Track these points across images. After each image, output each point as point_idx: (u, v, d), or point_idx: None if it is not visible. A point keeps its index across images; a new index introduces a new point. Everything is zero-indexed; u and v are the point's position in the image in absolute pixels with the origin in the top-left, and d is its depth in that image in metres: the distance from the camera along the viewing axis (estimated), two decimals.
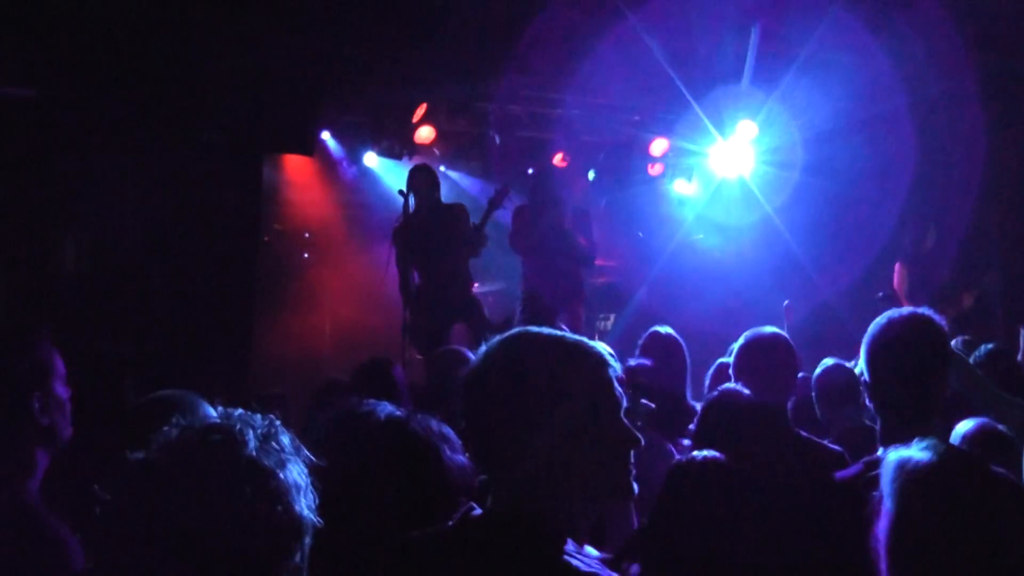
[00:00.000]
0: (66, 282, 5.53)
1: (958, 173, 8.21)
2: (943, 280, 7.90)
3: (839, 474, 2.81)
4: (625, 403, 1.71)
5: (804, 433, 3.52)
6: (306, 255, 9.60)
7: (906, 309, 2.76)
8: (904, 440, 1.92)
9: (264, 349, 7.27)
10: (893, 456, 1.89)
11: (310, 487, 1.40)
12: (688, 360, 4.67)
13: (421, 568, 1.66)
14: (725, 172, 9.54)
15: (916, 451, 1.87)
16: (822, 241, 8.94)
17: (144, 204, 5.84)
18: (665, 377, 4.30)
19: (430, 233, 7.07)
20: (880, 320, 2.72)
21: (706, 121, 8.77)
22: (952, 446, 1.97)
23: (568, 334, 1.76)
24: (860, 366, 2.79)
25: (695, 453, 2.68)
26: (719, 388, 3.28)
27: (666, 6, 7.06)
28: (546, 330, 1.75)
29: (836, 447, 3.49)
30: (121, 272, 5.74)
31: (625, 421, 1.70)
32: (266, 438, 1.37)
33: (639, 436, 1.72)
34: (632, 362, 4.30)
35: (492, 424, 1.66)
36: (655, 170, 9.95)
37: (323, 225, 9.63)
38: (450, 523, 1.71)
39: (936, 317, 2.71)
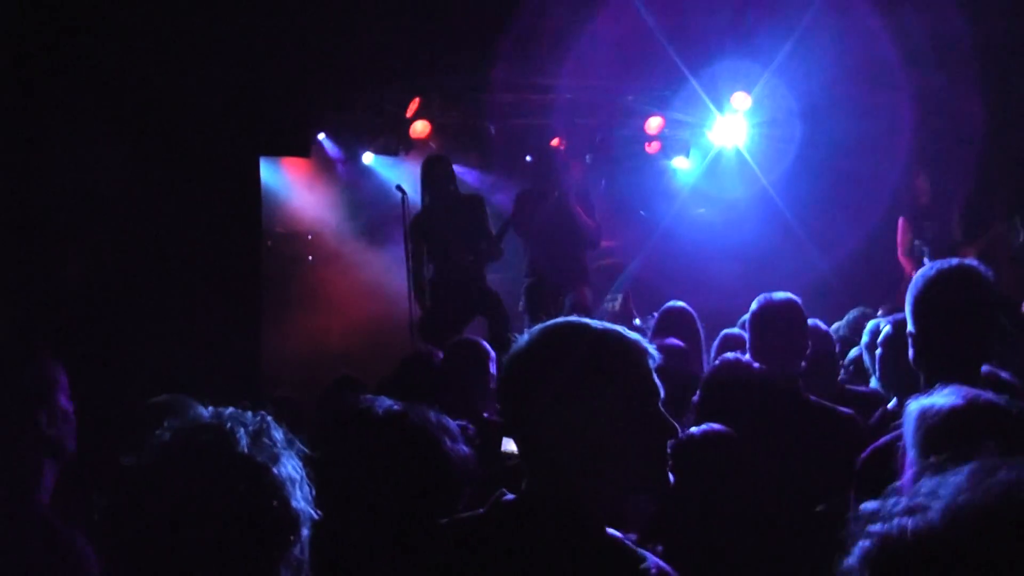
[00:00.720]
0: (69, 293, 5.55)
1: (960, 133, 8.18)
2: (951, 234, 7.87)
3: (873, 446, 2.78)
4: (663, 393, 1.72)
5: (815, 399, 3.51)
6: (311, 258, 9.62)
7: (953, 260, 2.70)
8: None
9: (273, 352, 7.28)
10: (915, 406, 1.85)
11: (305, 480, 1.40)
12: (703, 335, 4.67)
13: (461, 554, 1.66)
14: (721, 144, 9.53)
15: (939, 398, 1.82)
16: (819, 214, 8.92)
17: (145, 213, 5.85)
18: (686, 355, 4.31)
19: (448, 225, 7.01)
20: (927, 271, 2.65)
21: (702, 94, 8.75)
22: (978, 392, 1.91)
23: (609, 325, 1.77)
24: (905, 318, 2.70)
25: (694, 429, 2.67)
26: (719, 359, 3.27)
27: None
28: (589, 321, 1.77)
29: (847, 410, 3.47)
30: (124, 282, 5.76)
31: (663, 411, 1.71)
32: (258, 434, 1.38)
33: (676, 426, 1.72)
34: (666, 342, 4.29)
35: (531, 409, 1.67)
36: (652, 148, 9.95)
37: (325, 226, 9.63)
38: (482, 510, 1.71)
39: (983, 268, 2.65)
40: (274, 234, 9.19)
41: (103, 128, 5.61)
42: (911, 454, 1.81)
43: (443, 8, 7.15)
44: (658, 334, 4.59)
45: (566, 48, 7.70)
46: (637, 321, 8.50)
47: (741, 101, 8.95)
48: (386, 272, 8.70)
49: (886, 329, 3.72)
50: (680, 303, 4.76)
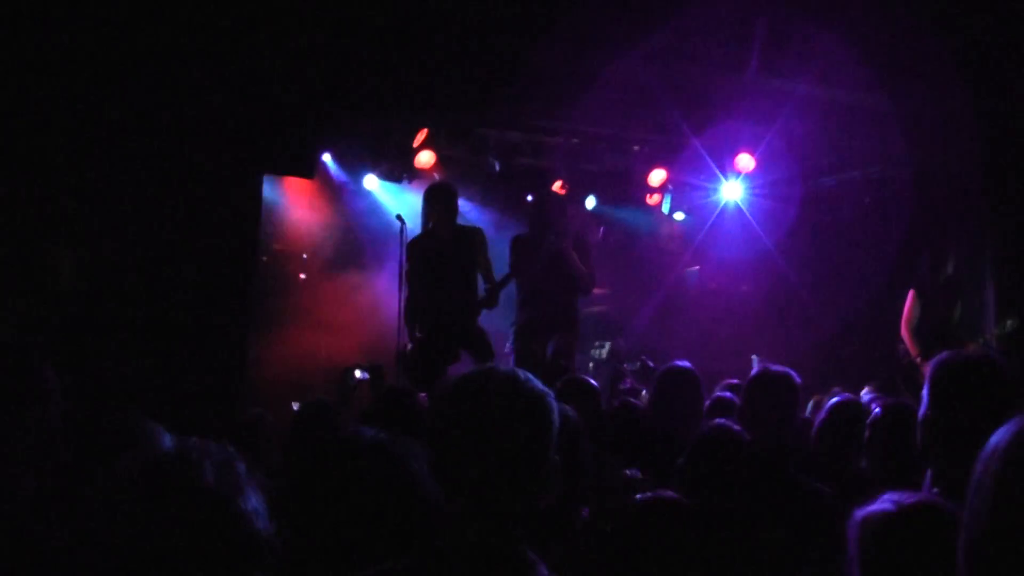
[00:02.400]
0: (63, 299, 5.55)
1: (963, 208, 8.28)
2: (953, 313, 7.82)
3: None
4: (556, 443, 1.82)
5: (801, 476, 3.49)
6: (302, 276, 9.61)
7: (974, 350, 2.71)
8: (960, 481, 1.89)
9: (258, 368, 7.26)
10: (859, 513, 1.87)
11: (266, 511, 1.39)
12: (703, 397, 4.63)
13: None
14: (723, 203, 9.65)
15: (880, 503, 1.83)
16: (822, 275, 9.01)
17: (143, 221, 5.87)
18: (675, 415, 4.30)
19: (447, 256, 6.87)
20: (951, 359, 2.68)
21: (704, 155, 8.86)
22: (924, 495, 1.93)
23: (526, 376, 1.85)
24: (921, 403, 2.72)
25: (639, 496, 2.64)
26: (711, 424, 3.28)
27: (665, 40, 7.15)
28: (512, 370, 1.85)
29: (828, 491, 3.43)
30: (118, 290, 5.76)
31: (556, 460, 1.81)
32: (223, 466, 1.39)
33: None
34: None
35: (500, 456, 1.75)
36: (653, 200, 10.04)
37: (321, 247, 9.65)
38: (433, 549, 1.76)
39: (1003, 361, 2.68)
40: (270, 250, 9.18)
41: (106, 136, 5.64)
42: (853, 567, 1.82)
43: (456, 43, 7.22)
44: (659, 396, 4.56)
45: (575, 92, 7.78)
46: (626, 365, 8.55)
47: (745, 163, 9.06)
48: (378, 298, 8.69)
49: (875, 411, 3.71)
50: (684, 363, 4.71)
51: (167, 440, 2.30)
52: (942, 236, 8.31)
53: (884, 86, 7.60)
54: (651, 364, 7.97)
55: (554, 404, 1.83)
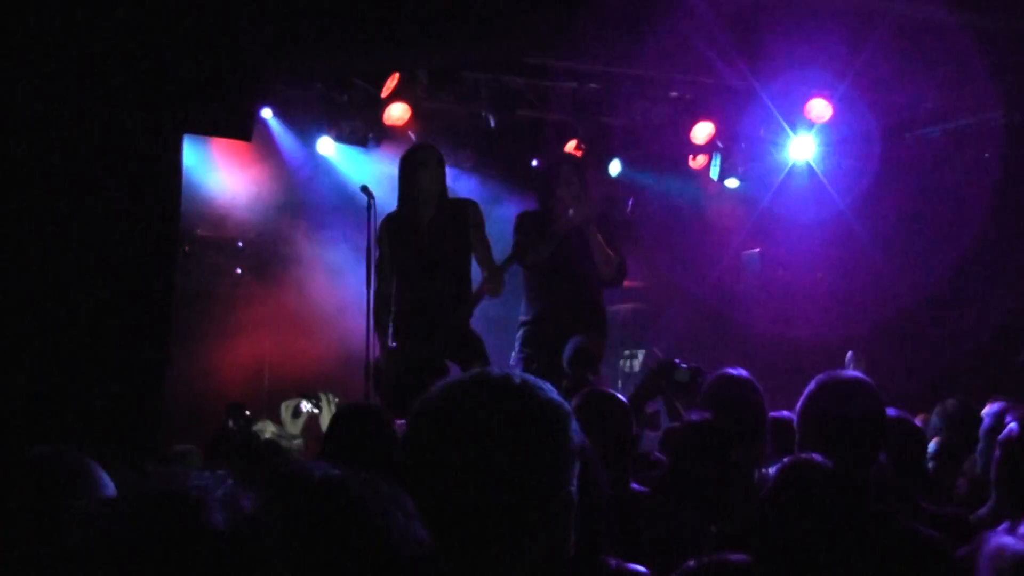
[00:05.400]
0: None
1: None
2: None
3: None
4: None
5: (896, 514, 3.49)
6: (239, 270, 9.60)
7: None
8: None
9: (182, 391, 7.23)
10: (993, 544, 1.89)
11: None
12: (767, 412, 4.66)
13: None
14: (791, 164, 9.66)
15: (1015, 539, 1.88)
16: (902, 243, 9.10)
17: (21, 203, 5.82)
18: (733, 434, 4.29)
19: (431, 238, 6.90)
20: None
21: (766, 101, 8.82)
22: None
23: (529, 378, 1.84)
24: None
25: (705, 558, 2.67)
26: (786, 460, 3.26)
27: None
28: (508, 374, 1.85)
29: (932, 533, 3.42)
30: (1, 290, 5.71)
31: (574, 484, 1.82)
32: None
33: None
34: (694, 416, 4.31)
35: (450, 492, 1.75)
36: (698, 162, 10.02)
37: (262, 232, 9.62)
38: None
39: None
40: (193, 237, 9.17)
41: None
42: None
43: None
44: (713, 409, 4.54)
45: (594, 18, 7.72)
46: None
47: (819, 110, 9.01)
48: (340, 297, 8.68)
49: (1010, 427, 3.75)
50: (739, 371, 4.71)
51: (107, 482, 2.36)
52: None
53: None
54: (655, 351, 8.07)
55: (570, 418, 1.81)
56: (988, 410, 5.14)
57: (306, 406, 6.25)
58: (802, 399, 3.82)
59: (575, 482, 1.80)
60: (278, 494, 2.03)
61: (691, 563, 2.74)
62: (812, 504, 3.04)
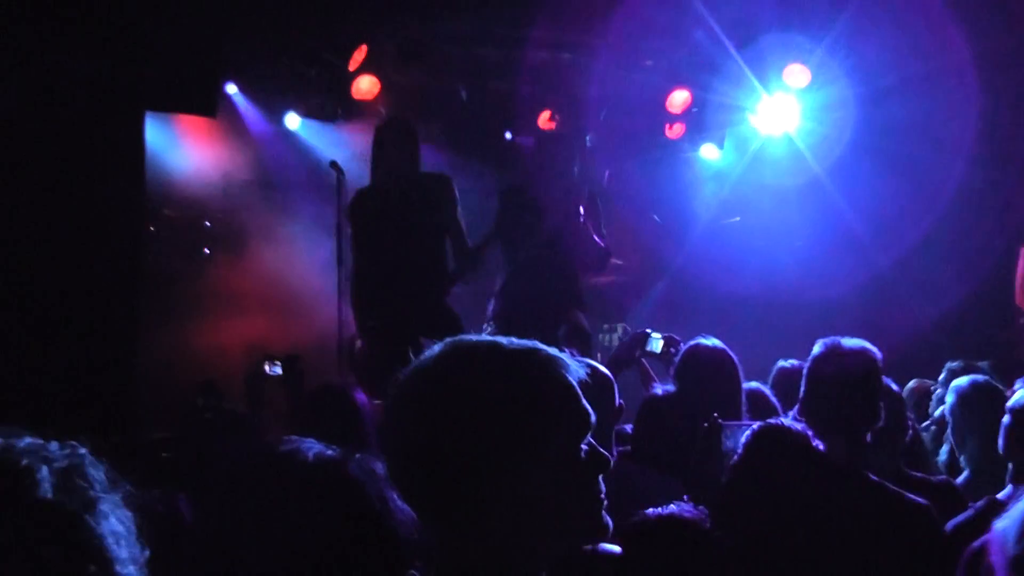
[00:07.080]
0: None
1: None
2: None
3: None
4: (593, 418, 1.78)
5: (884, 482, 3.56)
6: (207, 250, 9.55)
7: None
8: None
9: (155, 375, 7.20)
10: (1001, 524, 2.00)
11: (135, 535, 1.35)
12: (742, 383, 4.67)
13: None
14: (768, 131, 9.64)
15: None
16: (879, 208, 9.20)
17: None
18: (705, 406, 4.30)
19: (404, 215, 6.90)
20: None
21: (742, 67, 8.82)
22: None
23: (508, 339, 1.83)
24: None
25: (650, 511, 2.72)
26: (755, 425, 3.28)
27: None
28: (484, 338, 1.88)
29: (919, 500, 3.53)
30: None
31: (595, 444, 1.78)
32: (68, 473, 1.31)
33: (609, 457, 1.80)
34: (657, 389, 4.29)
35: (438, 468, 1.73)
36: (674, 131, 10.01)
37: (229, 210, 9.56)
38: None
39: None
40: (160, 217, 9.11)
41: None
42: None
43: None
44: (681, 382, 4.56)
45: None
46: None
47: (797, 76, 9.01)
48: (309, 275, 8.68)
49: (1020, 395, 3.81)
50: (711, 340, 4.72)
51: None
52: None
53: None
54: (628, 329, 8.10)
55: (573, 373, 1.79)
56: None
57: (268, 368, 6.18)
58: (808, 361, 3.98)
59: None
60: (275, 475, 2.02)
61: (649, 513, 2.78)
62: (782, 470, 3.07)
